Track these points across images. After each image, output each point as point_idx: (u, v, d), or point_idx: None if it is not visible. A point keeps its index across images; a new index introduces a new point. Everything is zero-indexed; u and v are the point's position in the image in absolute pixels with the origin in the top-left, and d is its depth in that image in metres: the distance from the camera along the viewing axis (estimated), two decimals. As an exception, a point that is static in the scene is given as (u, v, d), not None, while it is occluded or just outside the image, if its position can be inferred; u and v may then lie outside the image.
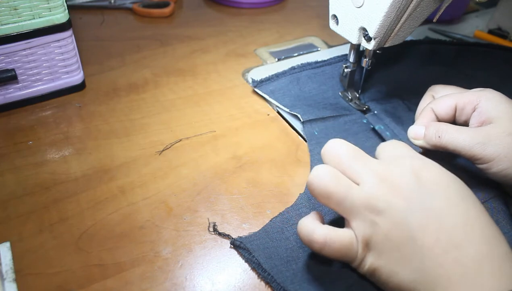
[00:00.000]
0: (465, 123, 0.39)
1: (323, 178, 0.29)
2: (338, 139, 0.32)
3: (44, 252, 0.32)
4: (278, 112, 0.48)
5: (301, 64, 0.52)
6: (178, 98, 0.49)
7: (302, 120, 0.44)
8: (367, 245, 0.29)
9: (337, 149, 0.31)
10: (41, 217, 0.35)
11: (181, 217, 0.35)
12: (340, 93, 0.50)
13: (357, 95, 0.49)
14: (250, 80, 0.51)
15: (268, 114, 0.47)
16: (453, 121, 0.40)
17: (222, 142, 0.43)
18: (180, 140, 0.43)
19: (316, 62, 0.52)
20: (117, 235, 0.34)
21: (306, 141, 0.43)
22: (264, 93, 0.49)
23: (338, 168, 0.30)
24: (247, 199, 0.37)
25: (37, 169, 0.39)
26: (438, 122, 0.38)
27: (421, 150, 0.39)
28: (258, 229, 0.34)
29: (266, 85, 0.50)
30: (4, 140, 0.42)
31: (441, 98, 0.40)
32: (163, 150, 0.42)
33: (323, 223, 0.30)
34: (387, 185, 0.28)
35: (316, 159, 0.41)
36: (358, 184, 0.29)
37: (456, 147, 0.36)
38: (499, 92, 0.37)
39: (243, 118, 0.47)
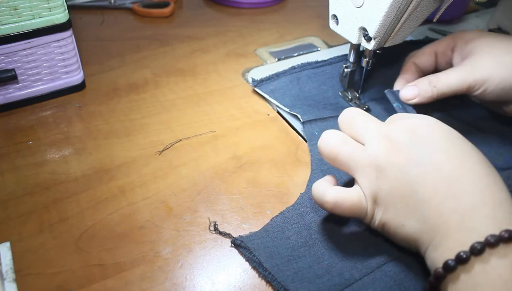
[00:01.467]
0: (448, 66, 0.43)
1: (330, 140, 0.32)
2: (354, 108, 0.35)
3: (44, 252, 0.32)
4: (278, 112, 0.48)
5: (301, 64, 0.52)
6: (178, 98, 0.49)
7: (302, 121, 0.44)
8: (375, 201, 0.31)
9: (349, 114, 0.34)
10: (41, 217, 0.35)
11: (181, 217, 0.35)
12: (340, 93, 0.50)
13: (357, 95, 0.49)
14: (250, 80, 0.51)
15: (268, 114, 0.47)
16: (435, 69, 0.44)
17: (222, 142, 0.43)
18: (180, 140, 0.43)
19: (316, 62, 0.52)
20: (117, 235, 0.34)
21: (306, 141, 0.43)
22: (264, 92, 0.49)
23: (347, 131, 0.33)
24: (247, 199, 0.37)
25: (37, 169, 0.39)
26: (425, 77, 0.42)
27: (414, 111, 0.43)
28: (258, 229, 0.34)
29: (266, 84, 0.50)
30: (4, 140, 0.42)
31: (420, 50, 0.45)
32: (163, 150, 0.42)
33: (336, 185, 0.33)
34: (388, 144, 0.30)
35: (316, 159, 0.41)
36: (364, 144, 0.32)
37: (451, 87, 0.40)
38: (471, 30, 0.43)
39: (243, 118, 0.47)
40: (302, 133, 0.45)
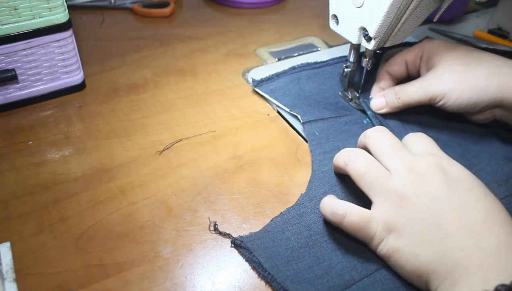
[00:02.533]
0: (418, 74, 0.45)
1: (360, 160, 0.33)
2: (382, 128, 0.35)
3: (44, 252, 0.32)
4: (278, 112, 0.48)
5: (301, 64, 0.52)
6: (178, 98, 0.49)
7: (302, 121, 0.44)
8: (389, 226, 0.31)
9: (379, 139, 0.34)
10: (41, 217, 0.35)
11: (181, 217, 0.35)
12: (340, 93, 0.50)
13: (357, 95, 0.49)
14: (250, 80, 0.51)
15: (268, 114, 0.47)
16: (407, 76, 0.46)
17: (222, 142, 0.43)
18: (180, 140, 0.43)
19: (316, 62, 0.52)
20: (117, 235, 0.34)
21: (306, 141, 0.43)
22: (264, 92, 0.49)
23: (376, 154, 0.34)
24: (247, 199, 0.37)
25: (37, 169, 0.39)
26: (392, 87, 0.45)
27: (383, 118, 0.45)
28: (258, 229, 0.34)
29: (266, 84, 0.50)
30: (4, 140, 0.42)
31: (392, 59, 0.47)
32: (163, 150, 0.42)
33: None
34: (417, 176, 0.31)
35: (317, 159, 0.41)
36: (390, 171, 0.32)
37: (415, 98, 0.42)
38: (438, 39, 0.44)
39: (243, 118, 0.47)
40: (302, 133, 0.45)
